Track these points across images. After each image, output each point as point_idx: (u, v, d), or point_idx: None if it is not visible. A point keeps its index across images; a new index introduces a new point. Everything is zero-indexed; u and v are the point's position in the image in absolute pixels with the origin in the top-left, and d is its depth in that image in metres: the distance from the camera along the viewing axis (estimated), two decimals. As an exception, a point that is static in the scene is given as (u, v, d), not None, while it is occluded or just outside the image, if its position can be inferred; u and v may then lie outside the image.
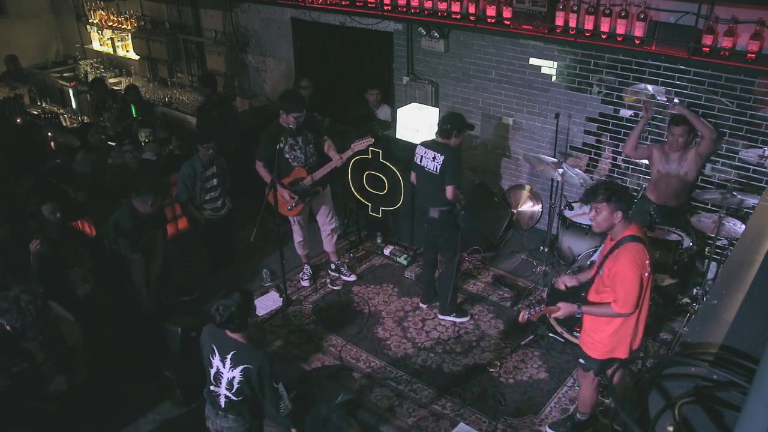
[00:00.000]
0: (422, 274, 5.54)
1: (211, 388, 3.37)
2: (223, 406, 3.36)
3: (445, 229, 4.99)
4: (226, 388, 3.29)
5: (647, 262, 3.38)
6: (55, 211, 4.57)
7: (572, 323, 4.79)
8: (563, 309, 3.61)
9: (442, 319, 5.30)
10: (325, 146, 5.41)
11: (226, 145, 6.31)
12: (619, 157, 5.78)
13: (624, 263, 3.32)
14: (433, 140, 4.88)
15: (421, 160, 4.89)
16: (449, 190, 4.77)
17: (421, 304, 5.49)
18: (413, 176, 5.11)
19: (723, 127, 5.10)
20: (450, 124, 4.77)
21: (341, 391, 4.29)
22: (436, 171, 4.78)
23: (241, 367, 3.22)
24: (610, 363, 3.72)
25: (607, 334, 3.61)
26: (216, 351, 3.30)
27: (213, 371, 3.32)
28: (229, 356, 3.25)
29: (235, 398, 3.30)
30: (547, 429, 4.24)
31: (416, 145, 5.00)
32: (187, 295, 5.63)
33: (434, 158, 4.78)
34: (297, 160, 5.27)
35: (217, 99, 7.22)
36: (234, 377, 3.24)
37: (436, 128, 4.88)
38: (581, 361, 3.86)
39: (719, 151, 5.17)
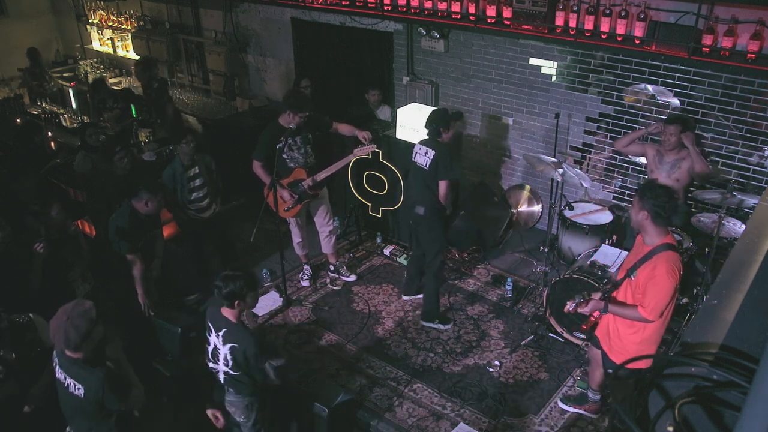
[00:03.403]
0: (409, 267, 5.56)
1: (210, 365, 3.54)
2: (222, 381, 3.53)
3: (431, 228, 5.00)
4: (224, 364, 3.44)
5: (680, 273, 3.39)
6: (61, 212, 4.58)
7: (571, 323, 4.79)
8: (591, 304, 3.57)
9: (425, 326, 5.23)
10: (339, 127, 5.41)
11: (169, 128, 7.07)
12: (619, 156, 5.79)
13: (663, 271, 3.30)
14: (425, 138, 4.95)
15: (415, 156, 4.96)
16: (443, 186, 4.80)
17: (403, 296, 5.54)
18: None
19: (723, 127, 5.11)
20: (435, 122, 4.82)
21: (341, 391, 4.29)
22: (426, 166, 4.82)
23: (229, 345, 3.38)
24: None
25: (634, 341, 3.59)
26: (212, 328, 3.46)
27: (210, 348, 3.49)
28: (221, 333, 3.42)
29: (233, 372, 3.45)
30: (559, 402, 4.37)
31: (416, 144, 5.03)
32: (190, 294, 5.63)
33: (426, 153, 4.85)
34: (294, 160, 5.25)
35: (158, 86, 7.69)
36: (226, 353, 3.41)
37: (427, 125, 4.90)
38: (610, 371, 3.86)
39: (719, 151, 5.17)
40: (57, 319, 3.02)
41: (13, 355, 3.54)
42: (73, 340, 2.98)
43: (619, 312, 3.54)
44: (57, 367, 3.17)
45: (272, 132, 5.15)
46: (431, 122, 4.85)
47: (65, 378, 3.12)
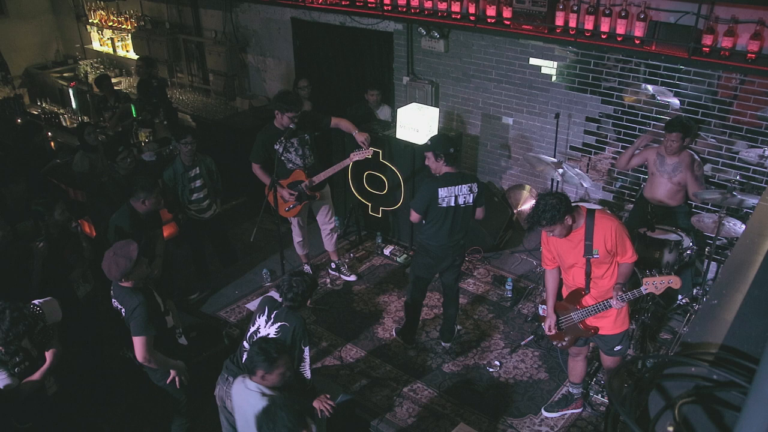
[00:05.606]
0: (414, 313, 4.91)
1: (244, 344, 3.68)
2: (244, 361, 3.52)
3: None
4: None
5: None
6: (63, 212, 4.58)
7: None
8: (617, 303, 3.62)
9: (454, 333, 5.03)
10: (335, 122, 5.33)
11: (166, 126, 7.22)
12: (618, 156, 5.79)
13: (614, 223, 3.53)
14: (454, 174, 4.45)
15: (456, 200, 4.43)
16: (482, 211, 4.60)
17: (443, 344, 5.00)
18: (432, 215, 4.49)
19: (723, 126, 5.11)
20: (454, 147, 4.51)
21: (341, 391, 4.29)
22: (472, 201, 4.51)
23: (279, 323, 3.60)
24: None
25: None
26: (266, 311, 3.69)
27: (253, 329, 3.69)
28: (273, 314, 3.66)
29: None
30: (543, 411, 4.35)
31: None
32: (190, 294, 5.63)
33: (471, 189, 4.47)
34: (292, 162, 5.24)
35: (156, 84, 7.76)
36: (269, 333, 3.60)
37: (451, 156, 4.42)
38: (618, 348, 3.88)
39: (719, 151, 5.18)
40: (108, 253, 3.66)
41: (31, 348, 3.56)
42: (113, 273, 3.59)
43: (625, 280, 3.66)
44: (113, 299, 3.75)
45: (268, 133, 5.14)
46: (451, 147, 4.44)
47: (116, 304, 3.71)
